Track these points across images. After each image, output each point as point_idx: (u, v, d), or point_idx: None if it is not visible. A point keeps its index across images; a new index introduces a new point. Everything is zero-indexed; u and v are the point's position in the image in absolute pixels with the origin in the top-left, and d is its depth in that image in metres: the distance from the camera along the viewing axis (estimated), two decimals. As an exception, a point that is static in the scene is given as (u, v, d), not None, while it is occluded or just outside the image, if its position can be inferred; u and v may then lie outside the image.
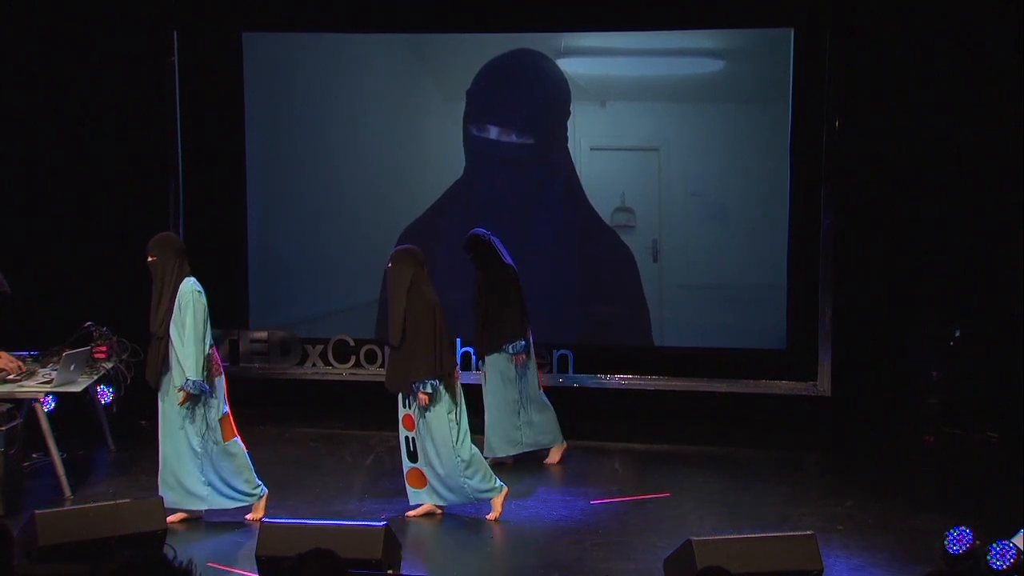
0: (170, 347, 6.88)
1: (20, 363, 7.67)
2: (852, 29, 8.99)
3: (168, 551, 5.32)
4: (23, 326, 8.51)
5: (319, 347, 9.67)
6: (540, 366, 8.63)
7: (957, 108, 8.88)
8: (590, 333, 9.57)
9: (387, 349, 7.50)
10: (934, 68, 8.91)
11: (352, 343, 9.64)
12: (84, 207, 9.71)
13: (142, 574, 2.94)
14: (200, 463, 6.98)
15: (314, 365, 9.69)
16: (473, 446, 7.19)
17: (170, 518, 6.69)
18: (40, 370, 7.77)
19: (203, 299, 6.90)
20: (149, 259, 6.99)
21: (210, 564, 6.34)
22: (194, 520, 7.11)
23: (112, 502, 5.95)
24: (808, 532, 5.83)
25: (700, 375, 9.34)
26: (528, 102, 9.53)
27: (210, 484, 7.02)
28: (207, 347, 6.90)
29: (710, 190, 9.41)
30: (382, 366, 9.53)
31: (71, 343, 8.04)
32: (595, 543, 6.87)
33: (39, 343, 8.17)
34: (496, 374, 8.17)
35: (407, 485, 7.23)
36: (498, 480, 7.23)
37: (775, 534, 5.95)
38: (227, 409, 7.03)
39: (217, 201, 9.79)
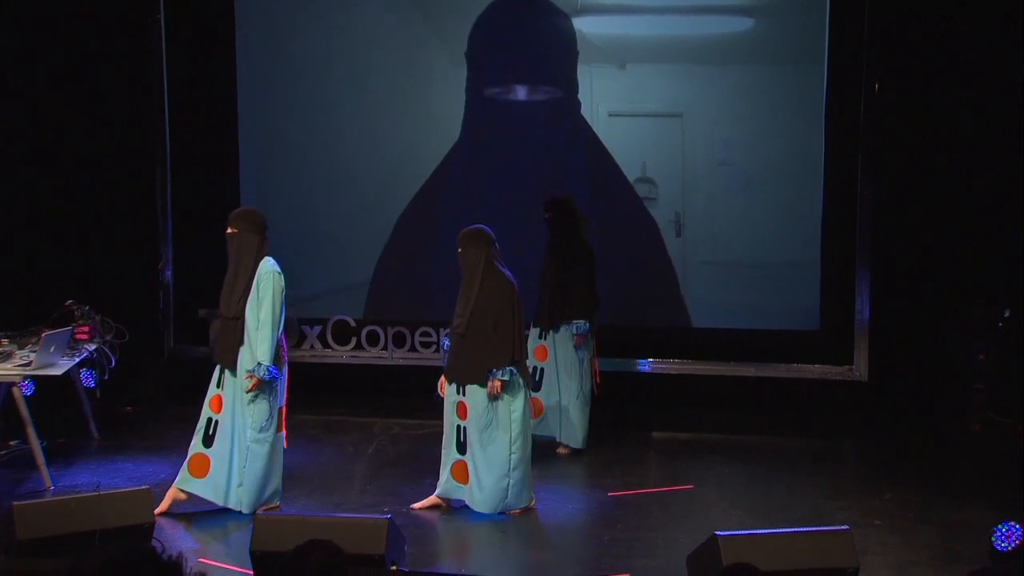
0: (246, 329, 6.93)
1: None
2: (893, -17, 8.93)
3: (156, 545, 5.34)
4: (-1, 305, 8.55)
5: (317, 328, 9.67)
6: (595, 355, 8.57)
7: (1008, 69, 8.79)
8: (610, 314, 9.53)
9: (445, 336, 7.47)
10: (983, 25, 8.82)
11: (353, 324, 9.65)
12: (64, 178, 9.70)
13: (128, 569, 2.93)
14: (244, 455, 6.98)
15: (312, 347, 9.69)
16: (529, 445, 7.20)
17: (158, 508, 6.71)
18: (18, 352, 7.79)
19: (283, 281, 6.98)
20: (228, 231, 7.07)
21: (201, 560, 6.36)
22: (183, 512, 7.14)
23: (96, 493, 5.97)
24: (843, 527, 5.82)
25: (726, 358, 9.33)
26: (529, 52, 9.45)
27: (241, 483, 7.03)
28: (279, 332, 6.97)
29: (738, 159, 9.37)
30: (384, 348, 9.54)
31: (51, 323, 8.05)
32: (613, 538, 6.87)
33: (16, 323, 8.18)
34: (564, 354, 8.18)
35: (450, 478, 7.19)
36: (533, 493, 7.25)
37: (807, 529, 5.94)
38: (283, 401, 7.10)
39: (207, 170, 9.77)
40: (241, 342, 6.95)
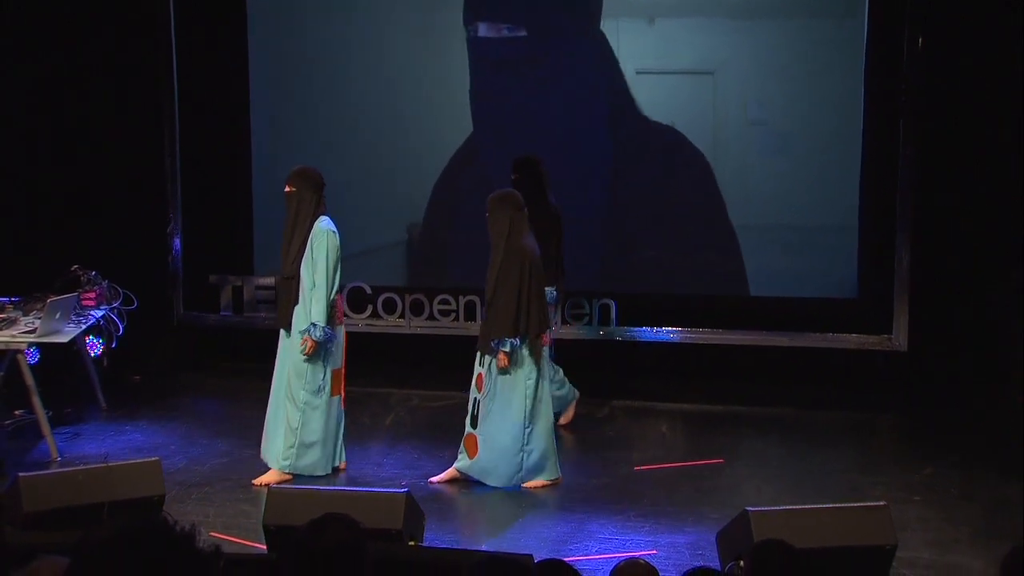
0: (301, 289, 7.06)
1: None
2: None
3: (167, 517, 5.37)
4: (2, 270, 8.57)
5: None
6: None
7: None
8: (634, 280, 9.52)
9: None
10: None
11: (369, 291, 9.66)
12: (70, 139, 9.72)
13: (140, 542, 2.93)
14: (299, 417, 7.12)
15: (326, 315, 9.71)
16: (552, 425, 7.24)
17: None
18: (22, 318, 7.82)
19: (337, 240, 7.11)
20: (287, 190, 7.20)
21: (212, 534, 6.40)
22: (194, 485, 7.20)
23: (104, 464, 6.01)
24: (881, 503, 5.82)
25: (759, 327, 9.31)
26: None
27: (293, 445, 7.19)
28: (334, 292, 7.05)
29: (773, 119, 9.31)
30: (402, 316, 9.55)
31: (56, 288, 8.08)
32: (639, 513, 6.89)
33: (21, 288, 8.22)
34: None
35: (462, 448, 7.28)
36: (559, 468, 7.28)
37: (843, 505, 5.94)
38: (341, 363, 7.23)
39: (218, 131, 9.78)
40: (296, 301, 7.08)
